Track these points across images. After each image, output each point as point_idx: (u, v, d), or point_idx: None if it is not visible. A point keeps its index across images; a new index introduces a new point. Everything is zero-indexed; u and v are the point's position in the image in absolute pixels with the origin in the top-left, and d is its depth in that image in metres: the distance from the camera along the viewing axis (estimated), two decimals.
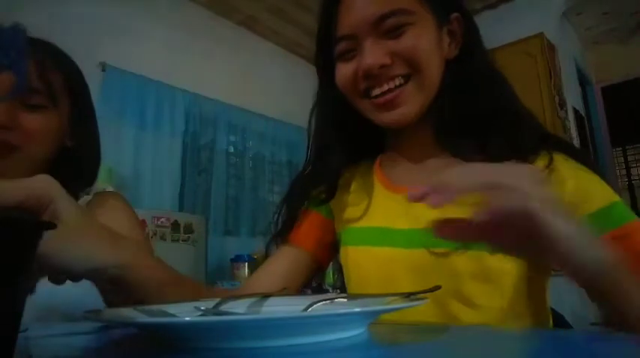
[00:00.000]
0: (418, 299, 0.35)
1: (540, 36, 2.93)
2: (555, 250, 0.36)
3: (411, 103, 0.56)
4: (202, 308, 0.38)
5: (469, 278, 0.51)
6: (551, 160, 0.52)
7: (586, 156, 0.56)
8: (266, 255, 0.69)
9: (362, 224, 0.62)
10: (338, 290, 2.71)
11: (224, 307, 0.39)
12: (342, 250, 0.64)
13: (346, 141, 0.67)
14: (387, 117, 0.57)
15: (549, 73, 2.87)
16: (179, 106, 2.84)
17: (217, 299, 0.40)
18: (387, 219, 0.60)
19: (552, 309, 0.60)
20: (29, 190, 0.33)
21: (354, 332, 0.31)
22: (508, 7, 3.21)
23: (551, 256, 0.38)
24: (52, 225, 0.27)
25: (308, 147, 0.71)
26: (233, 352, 0.28)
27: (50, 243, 0.33)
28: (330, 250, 0.69)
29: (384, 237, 0.59)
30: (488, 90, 0.58)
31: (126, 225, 0.70)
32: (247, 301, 0.42)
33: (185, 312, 0.37)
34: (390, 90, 0.55)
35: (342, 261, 0.65)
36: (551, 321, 0.56)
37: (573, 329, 0.68)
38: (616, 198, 0.50)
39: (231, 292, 0.66)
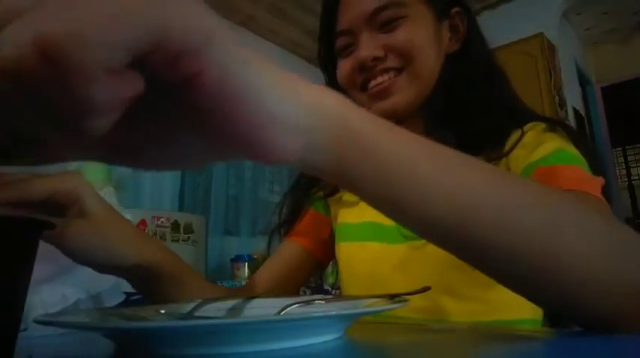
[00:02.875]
0: (399, 301, 0.33)
1: (540, 36, 2.93)
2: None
3: (403, 93, 0.57)
4: (162, 311, 0.37)
5: (451, 269, 0.51)
6: (522, 133, 0.52)
7: (568, 126, 0.55)
8: (268, 247, 0.70)
9: (354, 220, 0.63)
10: (337, 291, 2.71)
11: (202, 310, 0.38)
12: (336, 247, 0.65)
13: None
14: (380, 107, 0.58)
15: (549, 73, 2.87)
16: None
17: (197, 301, 0.40)
18: (377, 214, 0.60)
19: None
20: (57, 186, 0.33)
21: (333, 336, 0.30)
22: (508, 7, 3.21)
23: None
24: (52, 225, 0.27)
25: None
26: None
27: (76, 239, 0.34)
28: (329, 247, 0.69)
29: (374, 232, 0.60)
30: (483, 84, 0.58)
31: None
32: (229, 303, 0.41)
33: (152, 317, 0.36)
34: (384, 82, 0.57)
35: (337, 257, 0.66)
36: (542, 313, 0.56)
37: (573, 329, 0.68)
38: (570, 148, 0.48)
39: (234, 290, 0.66)
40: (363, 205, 0.63)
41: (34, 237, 0.26)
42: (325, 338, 0.30)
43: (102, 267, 0.40)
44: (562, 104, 3.02)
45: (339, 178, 0.26)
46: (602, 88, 4.13)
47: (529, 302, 0.53)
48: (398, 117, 0.58)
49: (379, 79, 0.57)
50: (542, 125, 0.53)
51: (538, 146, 0.50)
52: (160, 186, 2.66)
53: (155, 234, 2.49)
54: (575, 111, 3.34)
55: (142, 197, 2.55)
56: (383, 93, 0.57)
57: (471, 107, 0.56)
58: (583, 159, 0.48)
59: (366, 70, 0.57)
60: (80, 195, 0.35)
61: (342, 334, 0.32)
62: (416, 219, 0.27)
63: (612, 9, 3.61)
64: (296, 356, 0.26)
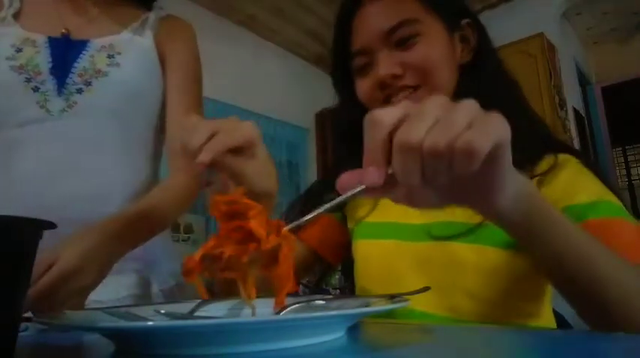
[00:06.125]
0: (400, 301, 0.34)
1: (540, 36, 2.93)
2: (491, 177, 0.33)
3: None
4: (162, 311, 0.37)
5: (472, 271, 0.52)
6: (555, 160, 0.53)
7: (588, 157, 0.56)
8: None
9: (373, 219, 0.64)
10: (339, 291, 2.71)
11: (202, 310, 0.39)
12: (354, 245, 0.66)
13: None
14: None
15: (549, 73, 2.87)
16: None
17: (197, 301, 0.40)
18: (397, 214, 0.61)
19: (553, 309, 0.60)
20: (246, 136, 0.41)
21: (333, 336, 0.30)
22: (508, 7, 3.21)
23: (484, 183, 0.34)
24: (52, 225, 0.27)
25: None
26: None
27: (248, 171, 0.43)
28: (339, 249, 0.70)
29: (392, 230, 0.60)
30: (501, 93, 0.59)
31: (189, 59, 0.87)
32: (229, 303, 0.41)
33: (150, 316, 0.37)
34: (405, 98, 0.58)
35: (354, 255, 0.67)
36: (554, 324, 0.57)
37: (573, 329, 0.68)
38: (610, 197, 0.50)
39: None
40: (382, 206, 0.64)
41: (34, 237, 0.26)
42: (325, 338, 0.30)
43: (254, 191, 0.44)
44: (562, 104, 3.01)
45: (521, 230, 0.38)
46: (602, 88, 4.12)
47: (550, 314, 0.55)
48: None
49: (400, 96, 0.58)
50: (576, 161, 0.54)
51: (579, 188, 0.51)
52: None
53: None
54: (575, 111, 3.33)
55: None
56: None
57: None
58: (624, 208, 0.49)
59: (386, 87, 0.59)
60: (256, 144, 0.43)
61: (343, 334, 0.32)
62: (555, 261, 0.39)
63: (612, 9, 3.61)
64: (296, 356, 0.26)
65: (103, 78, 0.75)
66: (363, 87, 0.62)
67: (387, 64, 0.57)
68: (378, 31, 0.58)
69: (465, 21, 0.61)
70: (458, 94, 0.59)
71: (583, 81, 3.88)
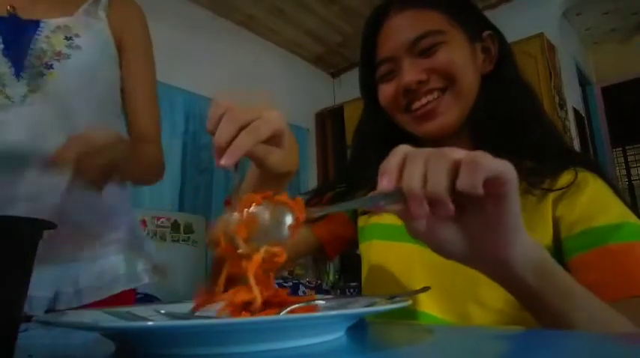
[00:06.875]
0: (400, 302, 0.34)
1: (540, 36, 2.93)
2: (503, 228, 0.34)
3: (449, 113, 0.60)
4: (162, 311, 0.38)
5: (485, 281, 0.52)
6: (575, 176, 0.54)
7: (606, 173, 0.57)
8: None
9: (390, 221, 0.64)
10: (339, 291, 2.71)
11: (202, 310, 0.38)
12: (366, 244, 0.67)
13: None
14: (428, 128, 0.61)
15: (549, 73, 2.87)
16: (179, 106, 2.84)
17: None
18: None
19: None
20: (274, 128, 0.41)
21: (334, 336, 0.30)
22: (508, 7, 3.21)
23: (495, 236, 0.35)
24: (52, 225, 0.27)
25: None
26: None
27: (271, 160, 0.44)
28: (342, 245, 0.72)
29: (407, 234, 0.61)
30: (522, 104, 0.61)
31: (144, 41, 0.86)
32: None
33: (149, 316, 0.37)
34: (429, 103, 0.60)
35: (364, 254, 0.68)
36: None
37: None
38: (631, 218, 0.50)
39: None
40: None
41: (34, 237, 0.26)
42: (325, 338, 0.30)
43: (274, 172, 0.47)
44: (562, 104, 3.01)
45: (526, 285, 0.38)
46: (602, 88, 4.12)
47: None
48: (444, 136, 0.61)
49: (423, 100, 0.60)
50: (594, 178, 0.55)
51: (599, 209, 0.51)
52: (160, 187, 2.66)
53: (155, 234, 2.49)
54: (575, 111, 3.33)
55: (142, 197, 2.54)
56: (429, 115, 0.60)
57: (515, 124, 0.60)
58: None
59: (410, 93, 0.60)
60: (284, 133, 0.43)
61: (343, 334, 0.32)
62: (551, 309, 0.39)
63: (612, 9, 3.61)
64: (296, 356, 0.26)
65: (66, 60, 0.73)
66: (386, 92, 0.63)
67: (412, 71, 0.59)
68: (404, 41, 0.60)
69: (486, 33, 0.64)
70: (479, 103, 0.61)
71: (583, 81, 3.87)
